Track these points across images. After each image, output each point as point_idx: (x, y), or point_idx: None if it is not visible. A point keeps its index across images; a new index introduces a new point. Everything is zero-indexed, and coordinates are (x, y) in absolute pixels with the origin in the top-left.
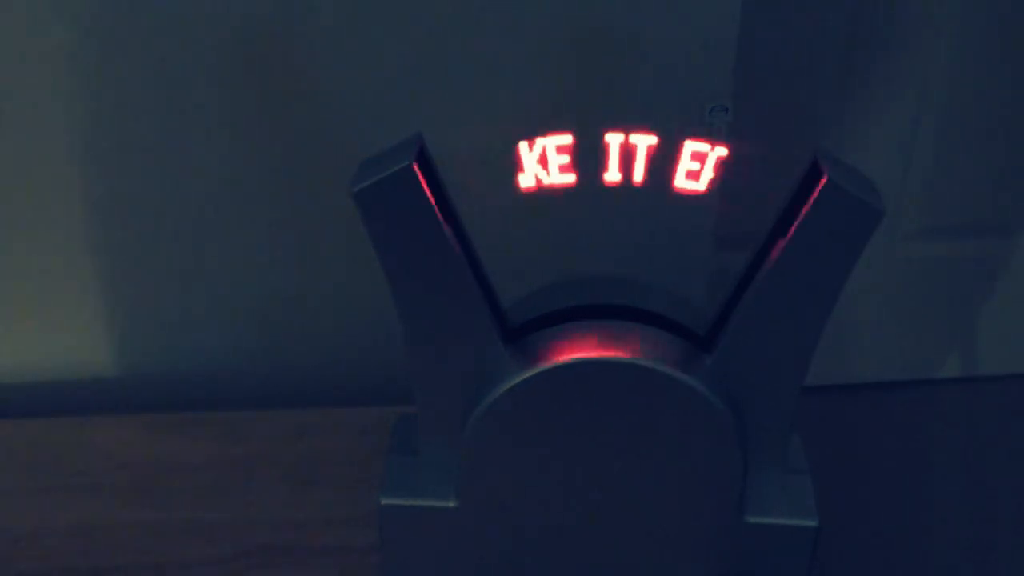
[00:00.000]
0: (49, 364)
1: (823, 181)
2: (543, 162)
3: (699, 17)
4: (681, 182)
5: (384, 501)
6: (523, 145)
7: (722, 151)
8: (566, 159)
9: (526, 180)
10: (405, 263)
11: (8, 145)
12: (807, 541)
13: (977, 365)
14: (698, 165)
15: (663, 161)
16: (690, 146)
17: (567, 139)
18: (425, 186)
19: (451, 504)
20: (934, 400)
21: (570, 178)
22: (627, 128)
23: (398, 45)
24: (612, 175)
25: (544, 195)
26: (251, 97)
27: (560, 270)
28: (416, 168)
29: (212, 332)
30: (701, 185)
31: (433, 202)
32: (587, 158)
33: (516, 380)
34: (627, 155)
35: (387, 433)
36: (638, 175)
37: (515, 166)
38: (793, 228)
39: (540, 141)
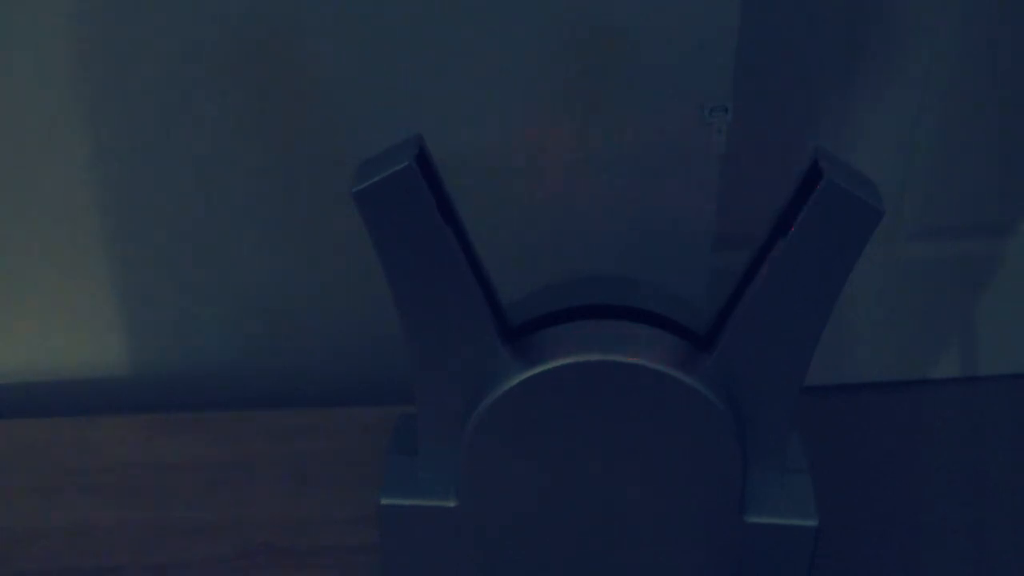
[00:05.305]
0: (49, 364)
1: (823, 181)
2: None
3: (699, 17)
4: None
5: (384, 501)
6: None
7: None
8: None
9: None
10: (405, 263)
11: (8, 145)
12: (807, 541)
13: (977, 365)
14: None
15: (662, 161)
16: None
17: None
18: (425, 186)
19: (451, 504)
20: (934, 400)
21: None
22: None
23: (398, 45)
24: None
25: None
26: (252, 98)
27: (560, 270)
28: (416, 168)
29: (212, 332)
30: None
31: (433, 202)
32: (587, 157)
33: (516, 380)
34: None
35: (387, 433)
36: None
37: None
38: (793, 228)
39: None
